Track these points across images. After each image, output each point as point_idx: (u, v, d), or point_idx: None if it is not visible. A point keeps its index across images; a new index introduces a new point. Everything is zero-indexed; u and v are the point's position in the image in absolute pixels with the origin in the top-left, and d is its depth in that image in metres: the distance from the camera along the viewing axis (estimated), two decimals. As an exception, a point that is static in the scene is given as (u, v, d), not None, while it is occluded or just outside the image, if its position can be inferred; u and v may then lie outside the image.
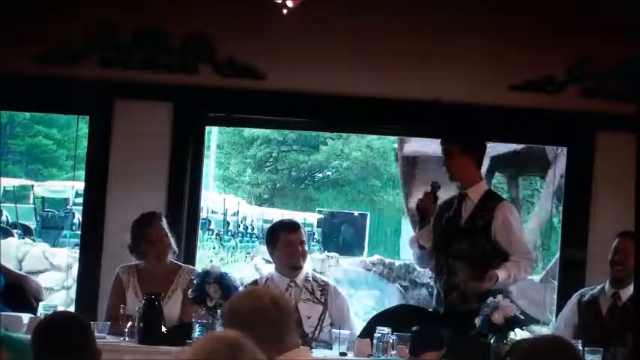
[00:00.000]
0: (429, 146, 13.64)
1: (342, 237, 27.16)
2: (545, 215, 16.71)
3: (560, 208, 7.14)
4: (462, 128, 6.46)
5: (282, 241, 6.12)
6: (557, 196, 15.42)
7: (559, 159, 12.24)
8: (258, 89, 6.78)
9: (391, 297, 18.92)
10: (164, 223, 6.11)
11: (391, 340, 5.39)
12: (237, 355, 2.78)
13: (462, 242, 6.13)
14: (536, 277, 15.43)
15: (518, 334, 5.61)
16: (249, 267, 19.90)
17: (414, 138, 15.10)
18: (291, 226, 6.20)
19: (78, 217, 19.64)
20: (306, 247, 6.21)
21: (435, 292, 6.38)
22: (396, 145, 18.90)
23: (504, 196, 11.61)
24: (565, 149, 7.21)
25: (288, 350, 3.64)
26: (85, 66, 6.77)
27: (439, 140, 6.33)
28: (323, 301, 6.09)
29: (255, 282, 6.32)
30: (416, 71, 6.76)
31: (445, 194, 6.35)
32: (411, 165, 16.72)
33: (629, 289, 5.78)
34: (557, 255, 7.64)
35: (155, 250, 6.05)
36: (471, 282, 6.03)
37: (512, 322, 5.44)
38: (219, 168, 30.06)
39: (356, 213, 28.43)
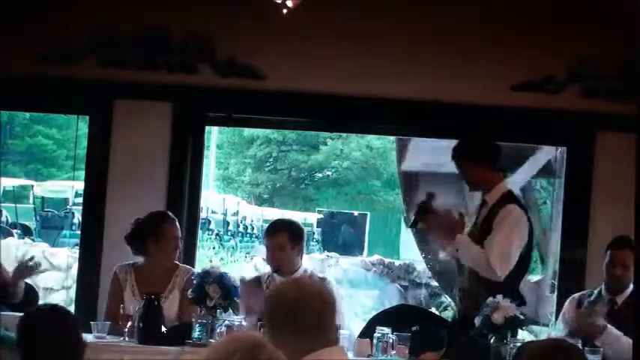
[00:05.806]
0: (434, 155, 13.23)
1: (341, 237, 27.15)
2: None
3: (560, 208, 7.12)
4: (468, 135, 6.38)
5: (265, 243, 6.25)
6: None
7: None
8: (258, 89, 6.78)
9: (391, 297, 18.91)
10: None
11: (391, 340, 5.39)
12: (257, 355, 2.77)
13: None
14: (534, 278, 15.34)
15: (518, 334, 5.60)
16: (249, 267, 19.87)
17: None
18: (270, 230, 6.22)
19: (78, 217, 19.61)
20: (289, 251, 6.06)
21: (456, 311, 6.22)
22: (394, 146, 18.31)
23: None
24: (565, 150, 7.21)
25: (326, 346, 3.52)
26: (85, 66, 6.77)
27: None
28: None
29: (258, 279, 6.32)
30: (416, 71, 6.76)
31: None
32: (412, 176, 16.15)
33: (625, 295, 5.78)
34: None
35: (167, 247, 6.04)
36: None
37: (512, 322, 5.43)
38: (219, 168, 30.03)
39: (356, 213, 28.42)
